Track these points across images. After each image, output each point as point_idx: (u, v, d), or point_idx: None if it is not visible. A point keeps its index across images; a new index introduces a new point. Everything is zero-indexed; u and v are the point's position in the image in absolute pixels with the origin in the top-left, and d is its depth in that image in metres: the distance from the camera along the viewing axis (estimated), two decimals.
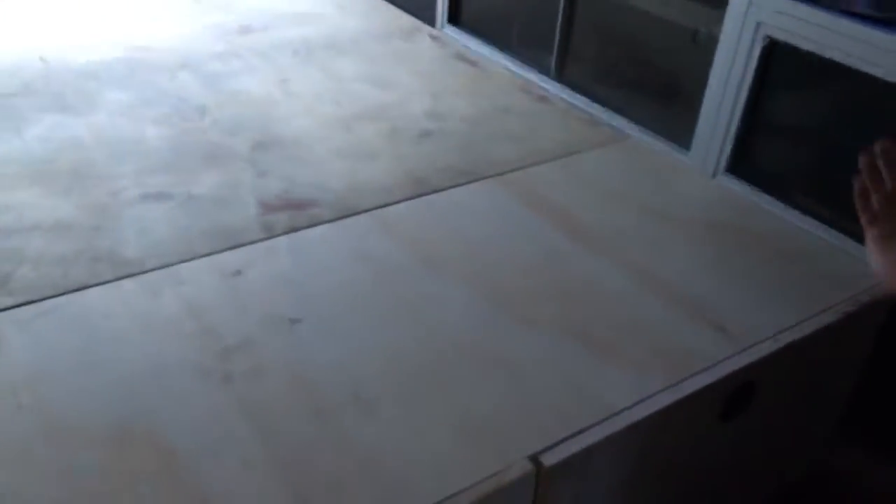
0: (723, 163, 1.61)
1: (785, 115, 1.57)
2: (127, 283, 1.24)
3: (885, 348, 1.38)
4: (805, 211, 1.49)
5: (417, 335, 1.17)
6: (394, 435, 1.00)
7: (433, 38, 2.29)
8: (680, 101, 1.76)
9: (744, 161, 1.60)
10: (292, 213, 1.43)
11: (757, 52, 1.49)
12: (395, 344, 1.15)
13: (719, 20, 1.55)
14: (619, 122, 1.85)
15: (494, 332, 1.18)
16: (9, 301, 1.18)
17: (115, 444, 0.96)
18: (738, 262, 1.37)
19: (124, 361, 1.09)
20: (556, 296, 1.26)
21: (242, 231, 1.38)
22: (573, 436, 1.00)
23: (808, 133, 1.54)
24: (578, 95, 1.95)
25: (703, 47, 1.62)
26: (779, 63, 1.49)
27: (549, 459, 0.97)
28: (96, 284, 1.23)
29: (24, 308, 1.17)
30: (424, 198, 1.51)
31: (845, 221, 1.42)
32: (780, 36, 1.45)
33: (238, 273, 1.27)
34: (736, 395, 1.16)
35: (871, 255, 0.80)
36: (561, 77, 2.02)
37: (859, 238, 1.19)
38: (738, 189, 1.59)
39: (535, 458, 0.97)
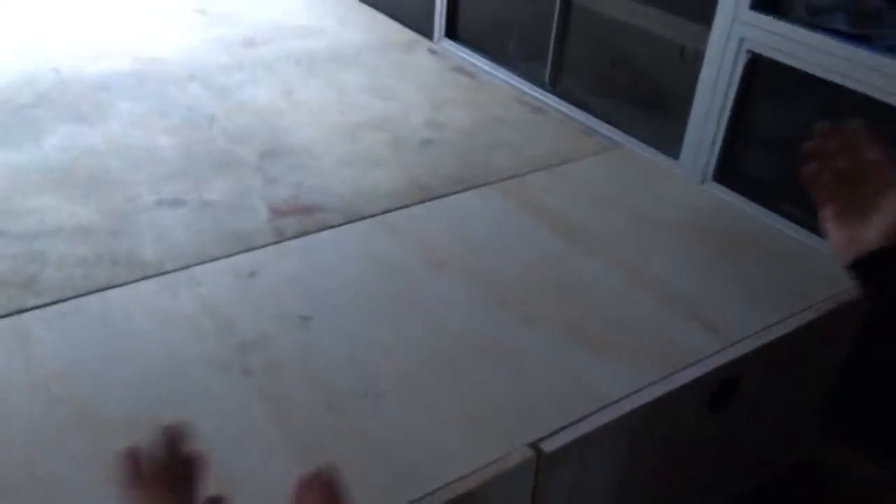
0: (710, 170, 1.69)
1: (768, 125, 1.64)
2: (146, 284, 1.30)
3: (865, 344, 1.44)
4: (787, 216, 1.56)
5: (422, 331, 1.23)
6: (401, 424, 1.06)
7: (431, 51, 2.36)
8: (669, 112, 1.83)
9: (730, 168, 1.67)
10: (301, 218, 1.50)
11: (741, 67, 1.57)
12: (402, 339, 1.21)
13: (705, 37, 1.62)
14: (611, 131, 1.92)
15: (495, 328, 1.25)
16: (37, 301, 1.24)
17: (143, 431, 1.01)
18: (725, 263, 1.44)
19: (148, 356, 1.15)
20: (553, 294, 1.33)
21: (254, 235, 1.44)
22: (571, 424, 1.06)
23: (790, 142, 1.60)
24: (572, 106, 2.02)
25: (690, 62, 1.69)
26: (761, 77, 1.57)
27: (548, 446, 1.03)
28: (117, 285, 1.29)
29: (50, 308, 1.24)
30: (427, 203, 1.58)
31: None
32: (762, 51, 1.53)
33: (253, 274, 1.34)
34: (723, 387, 1.22)
35: (827, 232, 0.84)
36: (555, 89, 2.09)
37: None
38: (725, 195, 1.66)
39: (535, 446, 1.03)
